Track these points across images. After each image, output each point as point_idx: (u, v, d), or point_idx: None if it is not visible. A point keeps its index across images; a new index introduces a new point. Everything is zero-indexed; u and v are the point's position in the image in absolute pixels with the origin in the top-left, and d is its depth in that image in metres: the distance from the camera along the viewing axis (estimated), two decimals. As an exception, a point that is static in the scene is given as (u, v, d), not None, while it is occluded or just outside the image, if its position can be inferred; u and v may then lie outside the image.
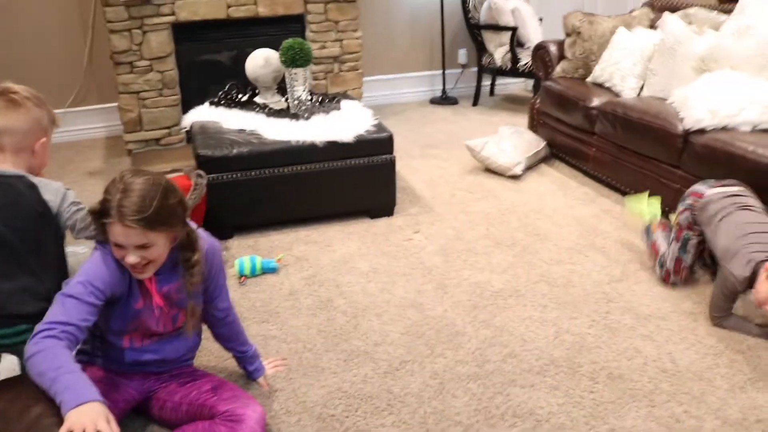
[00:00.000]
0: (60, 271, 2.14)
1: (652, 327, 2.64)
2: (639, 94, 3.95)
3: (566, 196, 3.89)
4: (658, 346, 2.52)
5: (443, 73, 5.87)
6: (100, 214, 1.80)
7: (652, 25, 4.21)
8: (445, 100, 5.89)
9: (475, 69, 5.90)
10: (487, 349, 2.53)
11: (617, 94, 3.99)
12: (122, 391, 2.04)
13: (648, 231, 3.11)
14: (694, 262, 2.94)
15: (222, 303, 2.18)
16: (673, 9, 4.18)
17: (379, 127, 3.58)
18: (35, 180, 2.12)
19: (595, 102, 3.93)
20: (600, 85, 4.15)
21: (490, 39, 5.59)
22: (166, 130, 4.72)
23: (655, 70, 3.85)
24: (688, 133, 3.28)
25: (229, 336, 2.29)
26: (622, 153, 3.75)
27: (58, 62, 4.89)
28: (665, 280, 2.91)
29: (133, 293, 1.94)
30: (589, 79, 4.27)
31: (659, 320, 2.68)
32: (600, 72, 4.14)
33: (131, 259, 1.80)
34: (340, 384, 2.35)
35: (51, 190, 2.12)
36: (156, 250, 1.84)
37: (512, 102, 5.99)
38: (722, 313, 2.62)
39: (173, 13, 4.48)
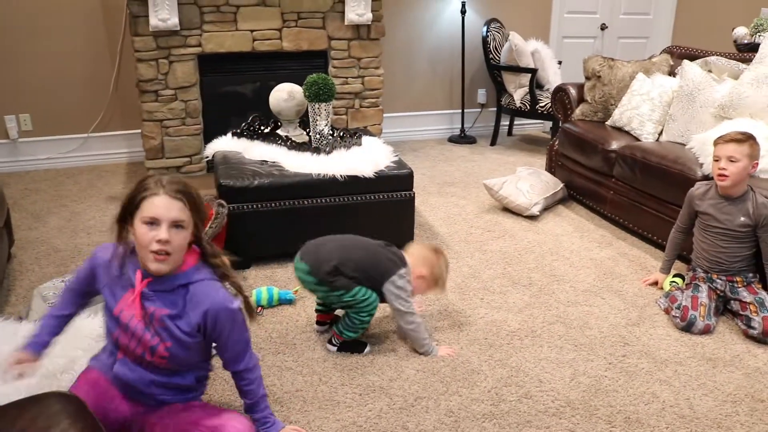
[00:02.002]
0: None
1: (669, 372, 2.62)
2: (658, 139, 3.98)
3: (583, 238, 3.90)
4: (676, 391, 2.50)
5: (462, 112, 5.93)
6: (128, 205, 1.86)
7: (671, 72, 4.26)
8: (463, 138, 5.94)
9: (494, 109, 5.97)
10: (502, 388, 2.52)
11: (636, 138, 4.02)
12: (115, 404, 2.01)
13: (666, 295, 3.13)
14: (710, 304, 2.94)
15: (235, 365, 2.05)
16: (693, 57, 4.23)
17: (400, 164, 3.62)
18: None
19: (614, 145, 3.96)
20: (619, 129, 4.18)
21: (509, 80, 5.66)
22: (188, 159, 4.78)
23: (674, 116, 3.88)
24: (707, 179, 3.29)
25: (245, 397, 2.11)
26: (640, 197, 3.76)
27: (85, 88, 4.99)
28: (683, 317, 2.90)
29: (116, 294, 1.95)
30: (608, 123, 4.30)
31: (677, 365, 2.67)
32: (619, 116, 4.18)
33: (163, 234, 1.83)
34: (355, 418, 2.34)
35: None
36: (182, 237, 1.87)
37: (530, 143, 6.04)
38: None
39: (200, 45, 4.58)
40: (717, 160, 2.93)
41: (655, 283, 3.31)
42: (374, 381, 2.54)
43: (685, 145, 3.73)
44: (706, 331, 2.89)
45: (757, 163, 2.91)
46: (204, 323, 1.93)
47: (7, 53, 4.76)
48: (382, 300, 2.69)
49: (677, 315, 2.94)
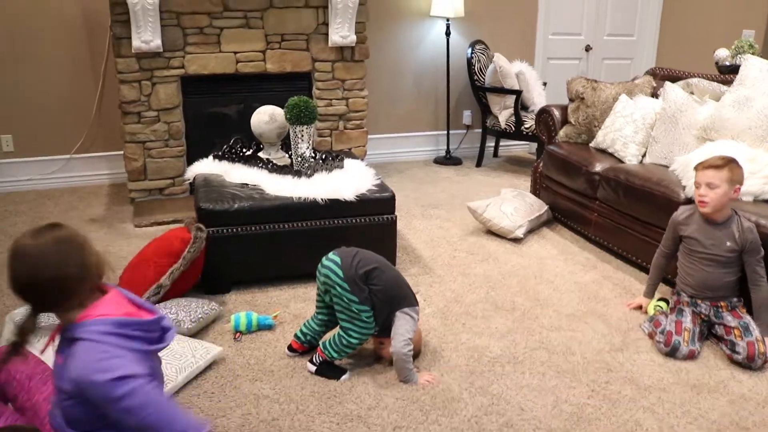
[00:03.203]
0: None
1: (653, 399, 2.59)
2: (641, 161, 3.97)
3: (567, 261, 3.87)
4: (660, 419, 2.46)
5: (448, 133, 5.92)
6: None
7: (654, 93, 4.26)
8: (448, 160, 5.92)
9: (479, 130, 5.96)
10: (483, 417, 2.47)
11: (620, 160, 4.01)
12: None
13: (650, 319, 3.10)
14: (695, 329, 2.91)
15: None
16: (675, 78, 4.24)
17: (381, 187, 3.59)
18: None
19: (598, 167, 3.95)
20: (603, 151, 4.18)
21: (494, 101, 5.66)
22: (170, 181, 4.74)
23: (657, 138, 3.88)
24: (690, 201, 3.28)
25: None
26: (624, 219, 3.74)
27: (68, 109, 4.95)
28: (667, 343, 2.87)
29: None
30: (591, 145, 4.30)
31: (660, 392, 2.63)
32: (602, 138, 4.17)
33: None
34: (332, 449, 2.29)
35: None
36: None
37: (515, 164, 6.03)
38: None
39: (183, 67, 4.55)
40: (698, 187, 2.92)
41: (639, 307, 3.28)
42: (352, 410, 2.49)
43: (668, 167, 3.72)
44: (691, 356, 2.86)
45: (740, 188, 2.89)
46: (77, 394, 1.66)
47: (-12, 75, 4.73)
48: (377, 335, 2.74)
49: (661, 340, 2.91)
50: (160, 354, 1.95)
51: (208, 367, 2.72)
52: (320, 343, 2.72)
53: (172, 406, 1.72)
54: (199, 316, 2.96)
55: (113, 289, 1.81)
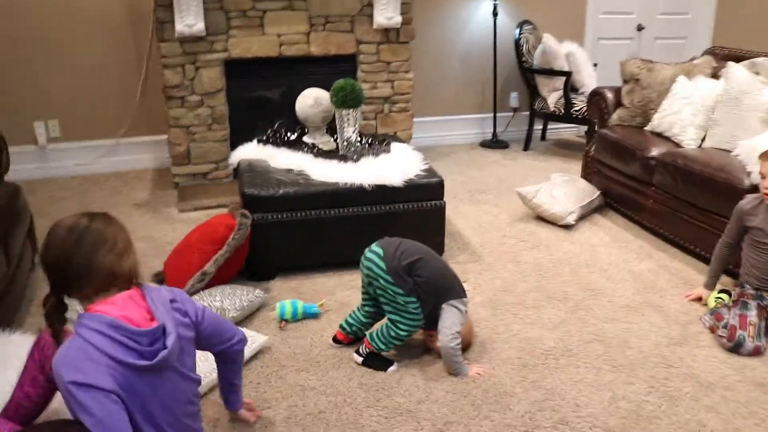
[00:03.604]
0: None
1: (716, 398, 2.46)
2: (700, 146, 3.79)
3: (621, 249, 3.73)
4: (725, 420, 2.33)
5: (494, 116, 5.78)
6: None
7: (715, 74, 4.06)
8: (495, 143, 5.79)
9: (527, 113, 5.81)
10: (536, 413, 2.37)
11: (677, 145, 3.84)
12: None
13: (711, 312, 2.95)
14: (760, 323, 2.76)
15: None
16: (737, 58, 4.03)
17: (430, 172, 3.49)
18: None
19: (654, 152, 3.78)
20: (659, 135, 4.01)
21: (543, 83, 5.49)
22: (214, 165, 4.71)
23: (719, 121, 3.69)
24: (755, 189, 3.11)
25: None
26: (682, 206, 3.58)
27: (113, 94, 4.96)
28: (731, 338, 2.73)
29: None
30: (647, 128, 4.13)
31: (724, 390, 2.50)
32: (659, 121, 4.00)
33: None
34: (381, 444, 2.22)
35: None
36: None
37: (564, 147, 5.86)
38: None
39: (226, 50, 4.50)
40: (763, 177, 2.76)
41: (699, 299, 3.13)
42: (401, 403, 2.42)
43: (730, 152, 3.54)
44: (756, 352, 2.71)
45: None
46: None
47: (35, 60, 4.74)
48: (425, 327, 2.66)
49: (724, 334, 2.77)
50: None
51: (253, 357, 2.68)
52: (367, 334, 2.65)
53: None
54: (244, 304, 2.92)
55: (134, 290, 1.76)
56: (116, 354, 1.61)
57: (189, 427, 1.84)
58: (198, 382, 1.88)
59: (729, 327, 2.77)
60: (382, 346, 2.59)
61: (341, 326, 2.77)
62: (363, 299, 2.74)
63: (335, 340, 2.78)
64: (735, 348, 2.73)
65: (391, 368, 2.61)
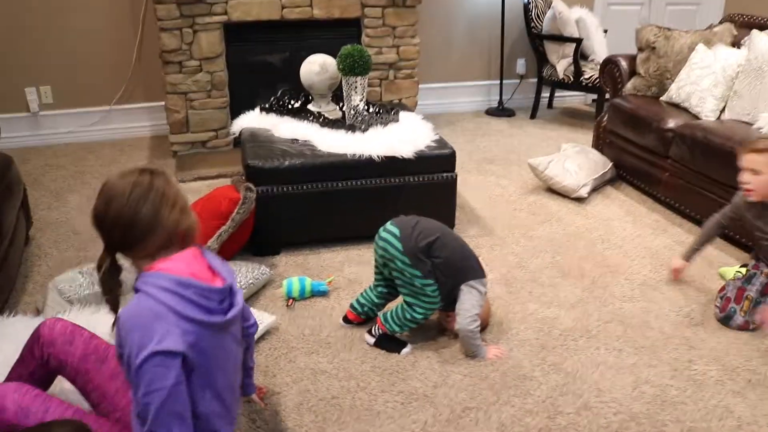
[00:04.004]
0: None
1: (742, 382, 2.37)
2: (719, 117, 3.66)
3: (636, 224, 3.62)
4: (752, 406, 2.25)
5: (501, 83, 5.62)
6: None
7: (735, 43, 3.91)
8: (501, 111, 5.63)
9: (534, 80, 5.65)
10: (558, 398, 2.28)
11: (695, 116, 3.71)
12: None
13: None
14: (760, 298, 2.66)
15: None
16: (760, 26, 3.88)
17: (441, 143, 3.36)
18: None
19: (671, 124, 3.65)
20: (676, 105, 3.87)
21: (552, 50, 5.32)
22: (213, 133, 4.56)
23: (740, 92, 3.56)
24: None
25: None
26: (699, 179, 3.46)
27: (107, 59, 4.76)
28: (723, 309, 2.67)
29: None
30: (663, 98, 3.99)
31: (750, 374, 2.41)
32: (676, 91, 3.86)
33: None
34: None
35: None
36: None
37: (572, 116, 5.71)
38: None
39: (225, 13, 4.31)
40: (742, 171, 2.63)
41: (677, 273, 2.99)
42: (417, 387, 2.32)
43: (751, 124, 3.42)
44: (744, 327, 2.64)
45: None
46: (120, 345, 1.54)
47: (26, 24, 4.53)
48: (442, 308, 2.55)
49: (718, 305, 2.70)
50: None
51: (261, 338, 2.57)
52: (380, 314, 2.54)
53: (179, 410, 1.52)
54: (250, 281, 2.80)
55: (193, 248, 1.67)
56: (188, 312, 1.54)
57: (237, 397, 1.79)
58: (244, 349, 1.84)
59: (724, 299, 2.69)
60: (397, 328, 2.49)
61: (352, 306, 2.66)
62: (376, 279, 2.63)
63: (345, 320, 2.68)
64: (724, 320, 2.69)
65: (405, 350, 2.51)
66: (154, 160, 4.54)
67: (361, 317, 2.65)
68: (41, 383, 1.86)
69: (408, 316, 2.46)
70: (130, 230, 1.57)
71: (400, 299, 2.54)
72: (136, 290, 1.58)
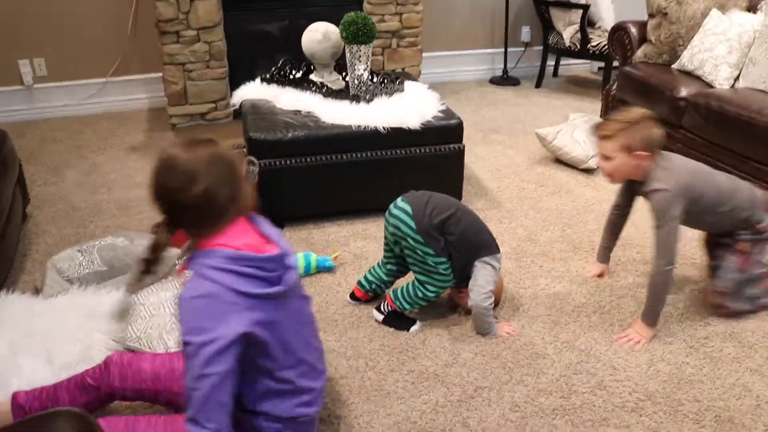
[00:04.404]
0: None
1: (760, 359, 2.31)
2: (733, 86, 3.56)
3: (646, 195, 3.54)
4: (772, 383, 2.19)
5: (505, 51, 5.49)
6: None
7: (751, 8, 3.79)
8: (506, 80, 5.52)
9: (539, 48, 5.52)
10: (572, 376, 2.23)
11: (708, 84, 3.61)
12: None
13: None
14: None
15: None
16: (776, -10, 3.76)
17: (448, 114, 3.27)
18: None
19: (684, 92, 3.56)
20: (688, 74, 3.77)
21: (558, 17, 5.19)
22: (212, 105, 4.45)
23: (756, 59, 3.45)
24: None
25: None
26: (714, 150, 3.38)
27: (101, 29, 4.63)
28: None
29: None
30: (674, 66, 3.88)
31: (767, 350, 2.35)
32: (689, 58, 3.75)
33: None
34: (408, 412, 2.07)
35: None
36: None
37: (577, 84, 5.60)
38: None
39: (223, -20, 4.19)
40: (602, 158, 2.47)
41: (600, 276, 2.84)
42: (428, 366, 2.27)
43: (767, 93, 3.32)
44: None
45: (644, 154, 2.33)
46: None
47: (17, -9, 4.41)
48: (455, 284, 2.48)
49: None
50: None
51: (267, 316, 2.51)
52: (390, 291, 2.48)
53: (225, 401, 1.49)
54: (254, 258, 2.73)
55: (244, 217, 1.62)
56: (248, 288, 1.49)
57: (316, 347, 1.78)
58: (310, 299, 1.81)
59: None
60: (407, 306, 2.43)
61: (359, 283, 2.59)
62: (385, 257, 2.56)
63: (353, 297, 2.61)
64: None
65: (414, 327, 2.45)
66: (153, 133, 4.44)
67: (368, 294, 2.58)
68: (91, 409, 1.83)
69: (420, 294, 2.39)
70: (207, 211, 1.51)
71: (409, 276, 2.47)
72: (192, 270, 1.52)
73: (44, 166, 3.91)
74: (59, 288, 2.40)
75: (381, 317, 2.48)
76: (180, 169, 1.49)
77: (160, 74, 4.42)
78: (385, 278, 2.55)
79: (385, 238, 2.49)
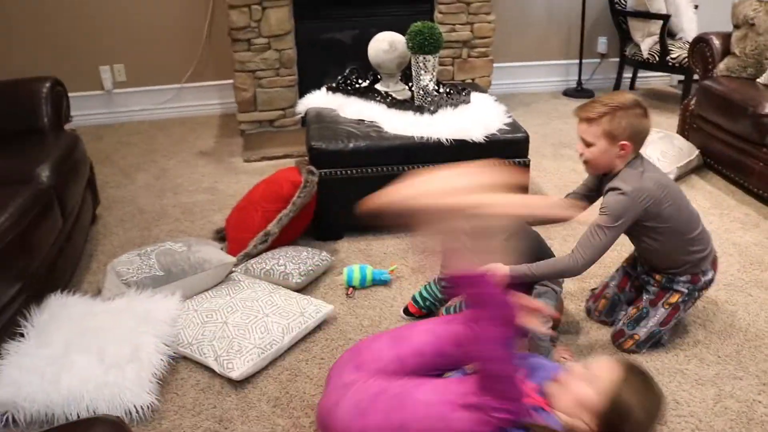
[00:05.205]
0: None
1: (842, 400, 2.14)
2: (823, 102, 3.35)
3: (723, 217, 3.36)
4: None
5: (580, 62, 5.34)
6: None
7: None
8: (580, 92, 5.36)
9: (615, 60, 5.34)
10: (631, 408, 2.11)
11: (796, 101, 3.40)
12: None
13: None
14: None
15: None
16: None
17: (514, 126, 3.18)
18: None
19: (768, 109, 3.36)
20: (774, 89, 3.56)
21: (636, 27, 5.02)
22: (281, 112, 4.50)
23: None
24: None
25: None
26: (798, 171, 3.18)
27: (178, 37, 4.76)
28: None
29: None
30: (760, 80, 3.68)
31: None
32: (775, 73, 3.55)
33: None
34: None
35: None
36: None
37: (656, 98, 5.39)
38: None
39: (295, -11, 4.23)
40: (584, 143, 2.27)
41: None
42: (478, 389, 2.19)
43: None
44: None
45: (628, 144, 2.16)
46: None
47: (100, 3, 4.56)
48: None
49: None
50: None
51: (318, 327, 2.49)
52: (443, 309, 2.42)
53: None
54: (309, 268, 2.72)
55: None
56: None
57: None
58: None
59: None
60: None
61: (414, 299, 2.54)
62: (442, 273, 2.50)
63: (406, 312, 2.56)
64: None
65: None
66: (222, 138, 4.52)
67: (422, 311, 2.53)
68: None
69: None
70: None
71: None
72: None
73: (117, 168, 4.03)
74: (117, 291, 2.45)
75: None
76: (632, 420, 1.60)
77: (232, 81, 4.49)
78: (440, 296, 2.49)
79: None
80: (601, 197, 2.30)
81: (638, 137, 2.19)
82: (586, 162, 2.29)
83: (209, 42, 4.81)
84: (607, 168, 2.27)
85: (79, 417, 1.98)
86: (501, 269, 2.17)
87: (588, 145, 2.23)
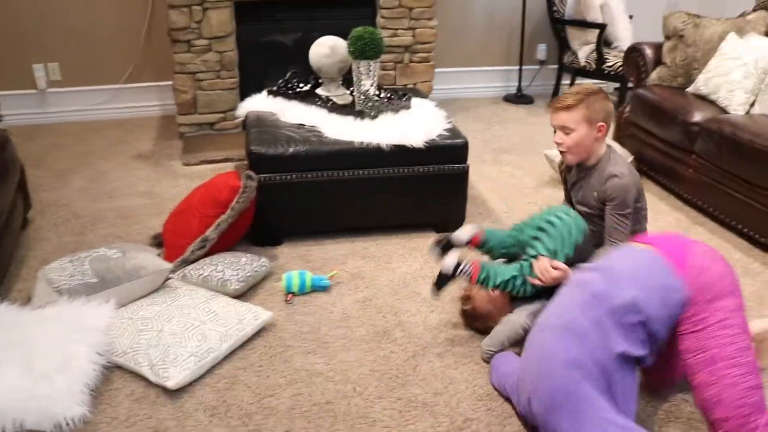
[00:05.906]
0: None
1: None
2: (748, 112, 3.48)
3: (656, 221, 3.46)
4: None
5: (520, 68, 5.43)
6: None
7: (769, 33, 3.72)
8: (519, 98, 5.45)
9: (554, 66, 5.46)
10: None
11: (723, 110, 3.52)
12: None
13: None
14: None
15: None
16: (796, 15, 3.68)
17: (453, 132, 3.22)
18: None
19: (697, 117, 3.48)
20: (702, 98, 3.68)
21: (574, 36, 5.13)
22: (222, 115, 4.44)
23: (772, 86, 3.37)
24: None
25: None
26: (726, 178, 3.29)
27: (116, 36, 4.65)
28: None
29: None
30: (689, 90, 3.80)
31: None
32: (704, 83, 3.67)
33: None
34: (393, 442, 2.02)
35: None
36: None
37: (593, 104, 5.51)
38: None
39: (236, -10, 4.18)
40: (555, 132, 2.49)
41: None
42: (417, 394, 2.21)
43: (783, 120, 3.24)
44: None
45: (604, 126, 2.42)
46: None
47: (34, -3, 4.44)
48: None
49: None
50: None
51: (256, 335, 2.47)
52: (482, 263, 2.40)
53: None
54: (248, 274, 2.69)
55: None
56: None
57: None
58: None
59: None
60: (489, 281, 2.35)
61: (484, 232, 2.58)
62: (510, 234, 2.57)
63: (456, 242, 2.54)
64: None
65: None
66: (161, 141, 4.44)
67: (481, 247, 2.58)
68: None
69: (518, 282, 2.36)
70: None
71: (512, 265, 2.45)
72: None
73: (51, 171, 3.91)
74: (48, 299, 2.37)
75: (450, 267, 2.36)
76: None
77: (172, 82, 4.41)
78: (508, 240, 2.55)
79: (528, 224, 2.48)
80: (593, 192, 2.49)
81: (609, 118, 2.45)
82: (567, 150, 2.45)
83: (149, 42, 4.72)
84: (587, 152, 2.46)
85: (4, 431, 1.91)
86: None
87: (568, 132, 2.40)
